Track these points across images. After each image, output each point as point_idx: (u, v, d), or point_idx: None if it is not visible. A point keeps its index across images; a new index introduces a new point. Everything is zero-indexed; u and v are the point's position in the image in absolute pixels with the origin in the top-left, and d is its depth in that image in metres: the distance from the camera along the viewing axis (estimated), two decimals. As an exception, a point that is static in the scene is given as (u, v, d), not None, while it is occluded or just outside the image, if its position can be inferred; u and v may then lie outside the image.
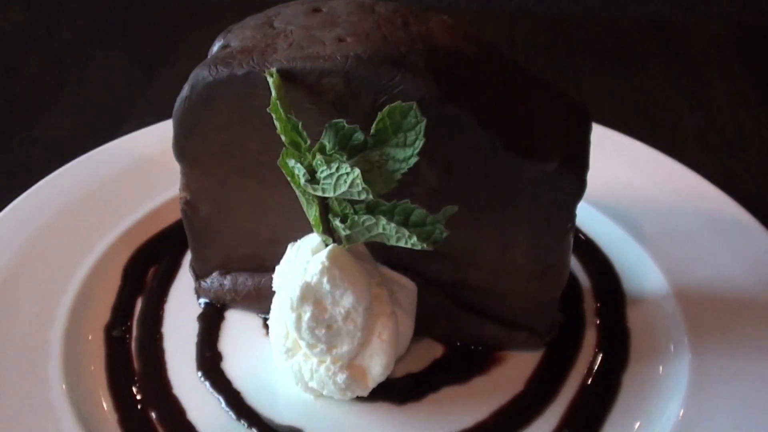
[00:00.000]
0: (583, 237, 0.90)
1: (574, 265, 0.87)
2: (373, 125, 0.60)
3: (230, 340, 0.78)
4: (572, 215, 0.67)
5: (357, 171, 0.58)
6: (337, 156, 0.60)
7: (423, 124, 0.60)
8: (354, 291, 0.65)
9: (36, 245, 0.84)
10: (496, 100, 0.66)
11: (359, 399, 0.71)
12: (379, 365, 0.68)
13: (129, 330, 0.79)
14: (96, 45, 1.41)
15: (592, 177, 0.90)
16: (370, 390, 0.70)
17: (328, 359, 0.68)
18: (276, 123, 0.62)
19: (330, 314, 0.66)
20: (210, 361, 0.75)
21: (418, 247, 0.62)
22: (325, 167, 0.60)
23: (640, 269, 0.84)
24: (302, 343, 0.68)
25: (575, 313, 0.81)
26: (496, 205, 0.68)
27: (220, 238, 0.78)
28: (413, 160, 0.61)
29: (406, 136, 0.61)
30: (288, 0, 0.75)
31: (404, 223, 0.62)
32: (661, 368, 0.73)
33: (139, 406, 0.71)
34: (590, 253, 0.88)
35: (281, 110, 0.61)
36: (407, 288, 0.73)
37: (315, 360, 0.68)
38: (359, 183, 0.59)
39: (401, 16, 0.69)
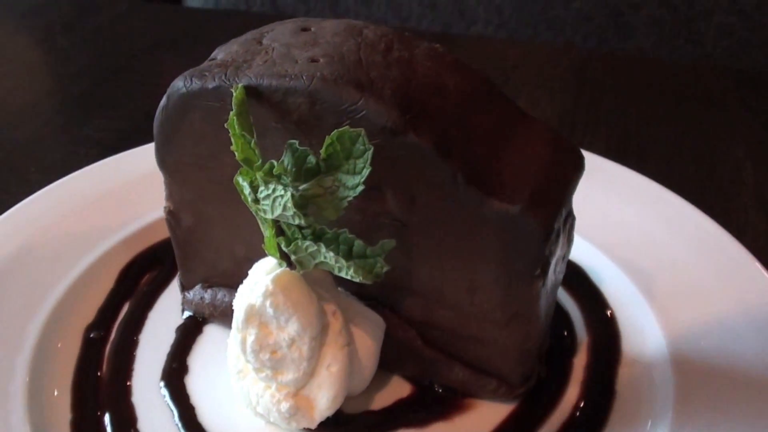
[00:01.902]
0: (591, 289, 0.84)
1: (576, 316, 0.82)
2: (323, 149, 0.58)
3: (201, 355, 0.77)
4: (538, 261, 0.62)
5: (288, 194, 0.57)
6: (275, 178, 0.58)
7: (370, 152, 0.57)
8: (299, 318, 0.63)
9: (41, 238, 0.86)
10: (467, 134, 0.62)
11: (309, 431, 0.68)
12: (325, 398, 0.66)
13: (108, 333, 0.79)
14: (165, 52, 1.45)
15: (611, 228, 0.88)
16: (317, 423, 0.67)
17: (274, 386, 0.66)
18: (232, 138, 0.61)
19: (275, 339, 0.64)
20: (175, 373, 0.75)
21: (357, 280, 0.59)
22: (263, 187, 0.59)
23: (644, 330, 0.78)
24: (249, 367, 0.66)
25: (562, 366, 0.76)
26: (460, 243, 0.64)
27: (202, 251, 0.78)
28: (360, 188, 0.59)
29: (355, 163, 0.58)
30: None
31: (348, 252, 0.60)
32: (637, 439, 0.68)
33: (94, 409, 0.71)
34: (596, 306, 0.83)
35: (236, 126, 0.60)
36: (373, 322, 0.70)
37: (262, 385, 0.67)
38: (290, 207, 0.57)
39: (386, 41, 0.67)
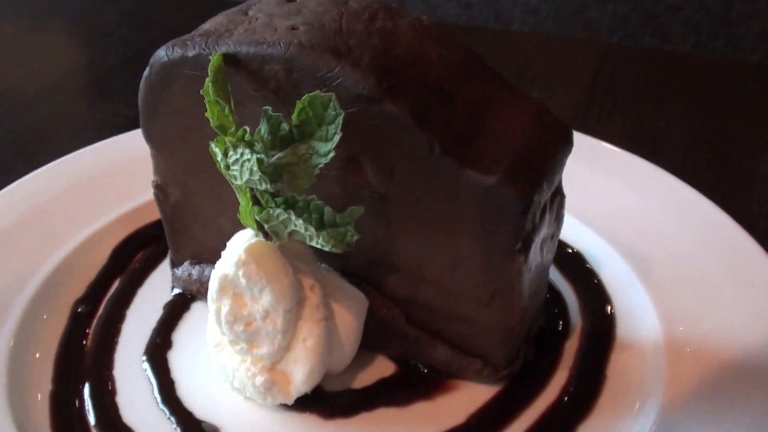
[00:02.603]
0: (589, 275, 0.82)
1: (572, 301, 0.80)
2: (294, 114, 0.57)
3: (186, 331, 0.77)
4: (518, 236, 0.60)
5: (254, 157, 0.56)
6: (244, 143, 0.57)
7: (341, 118, 0.56)
8: (273, 289, 0.62)
9: (38, 213, 0.86)
10: (447, 105, 0.61)
11: (287, 407, 0.67)
12: (301, 373, 0.65)
13: (96, 308, 0.79)
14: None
15: (614, 215, 0.86)
16: (294, 398, 0.66)
17: (249, 359, 0.65)
18: (207, 105, 0.60)
19: (249, 311, 0.63)
20: (158, 348, 0.74)
21: (327, 248, 0.58)
22: (232, 152, 0.58)
23: (640, 317, 0.75)
24: (225, 339, 0.66)
25: (553, 350, 0.74)
26: (440, 216, 0.63)
27: (190, 227, 0.77)
28: (331, 155, 0.58)
29: (327, 130, 0.57)
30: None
31: (319, 221, 0.59)
32: (623, 426, 0.65)
33: (75, 380, 0.71)
34: (593, 291, 0.80)
35: (211, 93, 0.59)
36: (355, 299, 0.69)
37: (238, 358, 0.66)
38: (256, 171, 0.56)
39: (371, 11, 0.65)
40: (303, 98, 0.57)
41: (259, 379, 0.64)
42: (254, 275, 0.61)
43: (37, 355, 0.73)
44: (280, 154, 0.59)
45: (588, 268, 0.83)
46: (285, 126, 0.58)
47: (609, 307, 0.78)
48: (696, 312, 0.74)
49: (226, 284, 0.63)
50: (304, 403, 0.67)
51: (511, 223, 0.60)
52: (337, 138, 0.57)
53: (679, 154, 1.08)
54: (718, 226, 0.83)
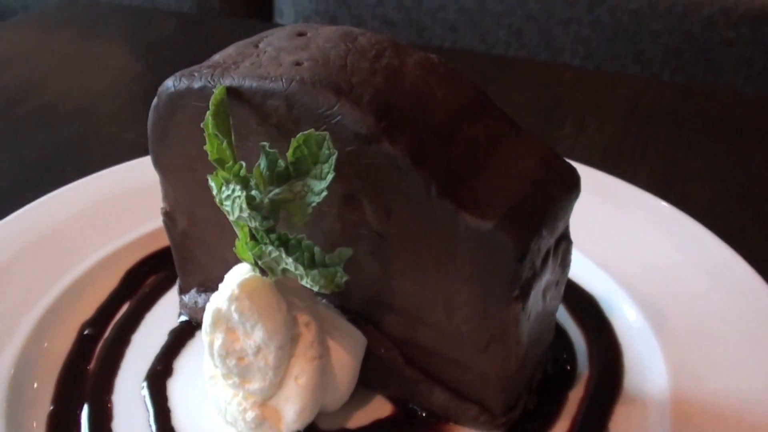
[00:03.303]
0: (601, 321, 0.80)
1: (581, 347, 0.78)
2: (289, 152, 0.57)
3: (188, 359, 0.76)
4: (514, 283, 0.59)
5: (244, 195, 0.55)
6: (237, 178, 0.57)
7: (334, 157, 0.56)
8: (265, 326, 0.61)
9: (53, 234, 0.87)
10: (447, 146, 0.60)
11: (278, 444, 0.67)
12: (292, 411, 0.64)
13: (103, 331, 0.79)
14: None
15: (631, 260, 0.84)
16: (284, 436, 0.65)
17: (241, 393, 0.65)
18: (206, 138, 0.60)
19: (242, 346, 0.63)
20: (158, 375, 0.74)
21: (316, 289, 0.58)
22: (225, 187, 0.58)
23: (649, 369, 0.73)
24: (218, 372, 0.65)
25: (556, 399, 0.72)
26: (437, 259, 0.62)
27: (196, 255, 0.77)
28: (324, 194, 0.57)
29: (321, 168, 0.57)
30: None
31: (311, 260, 0.58)
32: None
33: (74, 403, 0.71)
34: (603, 339, 0.78)
35: (211, 126, 0.60)
36: (353, 338, 0.68)
37: (231, 392, 0.65)
38: (245, 208, 0.56)
39: (379, 48, 0.65)
40: (298, 136, 0.56)
41: (250, 415, 0.64)
42: (247, 311, 0.61)
43: (39, 376, 0.73)
44: (276, 190, 0.59)
45: (601, 314, 0.81)
46: (281, 163, 0.58)
47: (618, 357, 0.76)
48: (708, 370, 0.71)
49: (219, 318, 0.62)
50: (297, 441, 0.66)
51: (507, 269, 0.58)
52: (330, 177, 0.56)
53: (708, 197, 1.05)
54: (741, 281, 0.80)
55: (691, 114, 1.28)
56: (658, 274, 0.83)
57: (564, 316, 0.81)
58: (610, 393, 0.72)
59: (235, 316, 0.61)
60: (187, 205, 0.74)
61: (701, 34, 1.83)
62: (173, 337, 0.79)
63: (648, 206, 0.93)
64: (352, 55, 0.63)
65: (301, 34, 0.68)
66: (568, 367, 0.75)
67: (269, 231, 0.59)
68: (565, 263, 0.68)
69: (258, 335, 0.61)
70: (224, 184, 0.58)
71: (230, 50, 0.69)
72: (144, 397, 0.72)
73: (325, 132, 0.56)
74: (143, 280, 0.86)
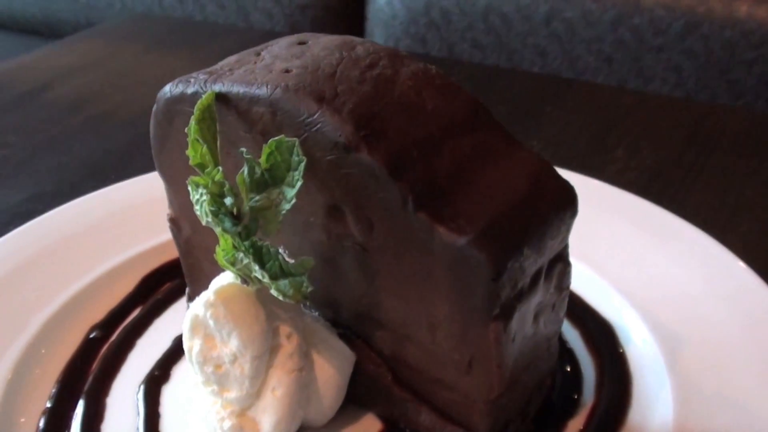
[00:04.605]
0: (614, 350, 0.76)
1: (589, 376, 0.74)
2: (262, 158, 0.56)
3: (187, 366, 0.76)
4: (492, 302, 0.56)
5: (205, 198, 0.55)
6: (206, 183, 0.57)
7: (303, 164, 0.55)
8: (241, 334, 0.60)
9: (79, 236, 0.89)
10: (430, 157, 0.58)
11: (259, 456, 0.65)
12: (268, 423, 0.63)
13: (110, 334, 0.80)
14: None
15: (656, 290, 0.79)
16: (262, 448, 0.64)
17: (220, 402, 0.64)
18: (189, 143, 0.60)
19: (219, 353, 0.62)
20: (155, 380, 0.74)
21: (281, 298, 0.56)
22: (194, 191, 0.57)
23: (657, 404, 0.69)
24: (199, 379, 0.65)
25: (553, 428, 0.68)
26: (416, 274, 0.60)
27: (201, 261, 0.77)
28: (293, 201, 0.56)
29: (293, 176, 0.56)
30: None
31: (281, 269, 0.57)
32: None
33: (69, 402, 0.72)
34: (614, 369, 0.74)
35: (194, 131, 0.60)
36: (341, 354, 0.67)
37: (211, 400, 0.65)
38: (208, 212, 0.55)
39: (374, 58, 0.64)
40: (270, 142, 0.56)
41: (227, 424, 0.63)
42: (222, 318, 0.60)
43: (40, 373, 0.74)
44: (256, 198, 0.58)
45: (615, 343, 0.77)
46: (258, 170, 0.57)
47: (627, 389, 0.72)
48: (715, 410, 0.66)
49: (197, 324, 0.62)
50: (278, 455, 0.65)
51: (483, 288, 0.56)
52: (299, 184, 0.55)
53: (756, 229, 0.99)
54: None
55: (753, 142, 1.22)
56: (683, 308, 0.78)
57: (578, 343, 0.78)
58: (612, 426, 0.68)
59: (211, 322, 0.61)
60: (189, 210, 0.73)
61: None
62: (176, 344, 0.78)
63: (686, 238, 0.88)
64: (345, 64, 0.62)
65: (301, 43, 0.68)
66: (575, 396, 0.72)
67: (244, 238, 0.58)
68: (561, 286, 0.65)
69: (234, 343, 0.61)
70: (195, 188, 0.57)
71: (233, 58, 0.69)
72: (138, 400, 0.72)
73: (295, 138, 0.55)
74: (159, 286, 0.87)
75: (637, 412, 0.69)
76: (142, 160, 1.18)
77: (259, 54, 0.68)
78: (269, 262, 0.57)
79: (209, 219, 0.56)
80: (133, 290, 0.85)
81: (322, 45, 0.66)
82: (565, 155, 1.18)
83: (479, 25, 1.99)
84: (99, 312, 0.82)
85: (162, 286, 0.87)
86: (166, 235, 0.89)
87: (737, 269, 0.81)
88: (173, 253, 0.89)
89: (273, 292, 0.57)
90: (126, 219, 0.92)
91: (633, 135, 1.25)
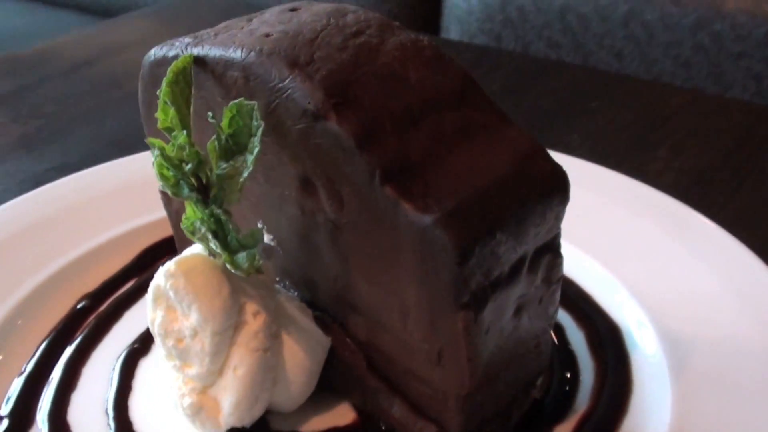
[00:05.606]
0: (618, 354, 0.71)
1: (587, 380, 0.69)
2: (224, 123, 0.54)
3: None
4: (459, 288, 0.52)
5: (156, 162, 0.52)
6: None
7: (261, 129, 0.52)
8: (200, 308, 0.58)
9: (77, 209, 0.88)
10: (407, 131, 0.54)
11: (224, 439, 0.63)
12: (228, 402, 0.60)
13: (99, 304, 0.79)
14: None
15: (670, 295, 0.74)
16: (224, 429, 0.61)
17: (181, 378, 0.61)
18: (158, 105, 0.58)
19: (180, 326, 0.59)
20: (133, 353, 0.72)
21: (234, 271, 0.54)
22: (153, 153, 0.55)
23: (654, 414, 0.64)
24: (162, 353, 0.62)
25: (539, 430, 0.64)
26: (385, 254, 0.56)
27: (191, 235, 0.75)
28: (250, 168, 0.53)
29: (253, 141, 0.53)
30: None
31: (236, 241, 0.54)
32: None
33: (47, 369, 0.71)
34: (614, 374, 0.69)
35: (164, 93, 0.57)
36: (314, 338, 0.63)
37: (174, 375, 0.62)
38: (159, 175, 0.52)
39: (362, 26, 0.60)
40: (230, 105, 0.53)
41: (187, 401, 0.61)
42: (181, 289, 0.58)
43: (23, 338, 0.73)
44: (224, 165, 0.56)
45: (620, 346, 0.72)
46: (222, 136, 0.54)
47: (625, 396, 0.66)
48: (716, 424, 0.61)
49: (159, 294, 0.60)
50: (243, 438, 0.62)
51: (448, 272, 0.52)
52: (256, 151, 0.52)
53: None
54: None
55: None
56: (698, 316, 0.72)
57: (581, 346, 0.73)
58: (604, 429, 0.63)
59: (171, 293, 0.58)
60: (178, 181, 0.72)
61: None
62: (163, 318, 0.76)
63: (717, 245, 0.81)
64: (329, 30, 0.59)
65: (294, 9, 0.65)
66: (566, 400, 0.67)
67: (206, 206, 0.56)
68: (550, 279, 0.60)
69: (194, 317, 0.58)
70: (152, 149, 0.55)
71: (224, 23, 0.66)
72: (114, 372, 0.70)
73: (254, 102, 0.52)
74: (157, 260, 0.85)
75: (631, 422, 0.64)
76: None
77: (251, 20, 0.65)
78: (230, 234, 0.55)
79: (162, 183, 0.54)
80: (130, 262, 0.84)
81: (312, 11, 0.63)
82: (604, 151, 1.13)
83: (556, 24, 1.94)
84: (94, 281, 0.81)
85: (161, 259, 0.85)
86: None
87: (763, 276, 0.75)
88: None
89: (227, 265, 0.54)
90: (134, 191, 0.91)
91: (679, 135, 1.18)
